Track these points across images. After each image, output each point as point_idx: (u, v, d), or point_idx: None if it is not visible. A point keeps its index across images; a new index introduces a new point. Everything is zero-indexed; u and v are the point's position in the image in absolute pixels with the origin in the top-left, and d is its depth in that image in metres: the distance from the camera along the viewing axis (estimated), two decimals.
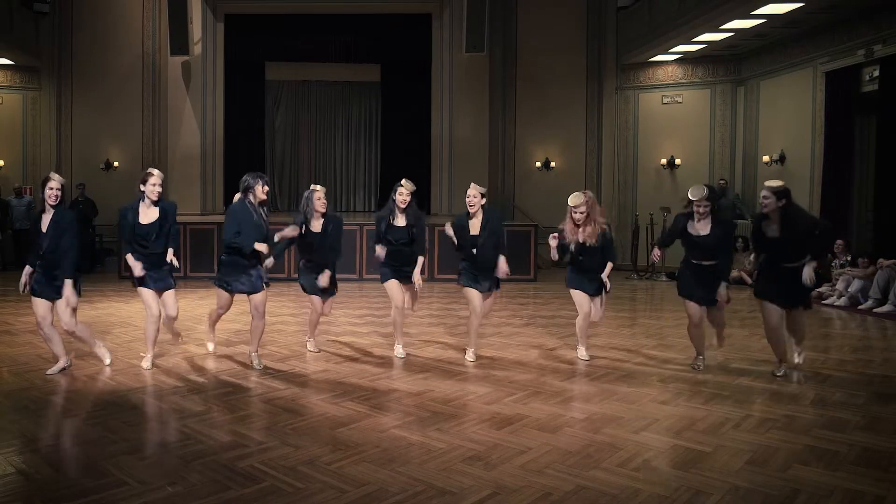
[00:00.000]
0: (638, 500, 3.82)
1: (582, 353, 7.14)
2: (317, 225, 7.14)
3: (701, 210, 6.40)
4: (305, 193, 7.24)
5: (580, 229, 6.87)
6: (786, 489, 3.95)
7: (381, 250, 7.18)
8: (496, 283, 7.14)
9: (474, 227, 7.00)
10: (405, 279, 7.33)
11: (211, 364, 6.84)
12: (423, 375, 6.42)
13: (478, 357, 7.13)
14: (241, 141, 17.71)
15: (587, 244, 6.84)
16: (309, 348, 7.53)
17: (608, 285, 6.98)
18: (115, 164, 17.02)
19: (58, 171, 16.65)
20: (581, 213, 6.81)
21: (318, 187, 7.25)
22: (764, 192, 6.21)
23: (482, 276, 7.03)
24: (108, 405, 5.43)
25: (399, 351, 7.32)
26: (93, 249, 15.18)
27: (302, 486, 3.95)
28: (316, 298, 7.27)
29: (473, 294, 7.06)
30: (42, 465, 4.21)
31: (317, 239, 7.13)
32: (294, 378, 6.33)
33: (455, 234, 7.10)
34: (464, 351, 7.31)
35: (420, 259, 7.31)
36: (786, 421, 5.14)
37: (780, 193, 6.11)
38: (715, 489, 3.94)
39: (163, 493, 3.85)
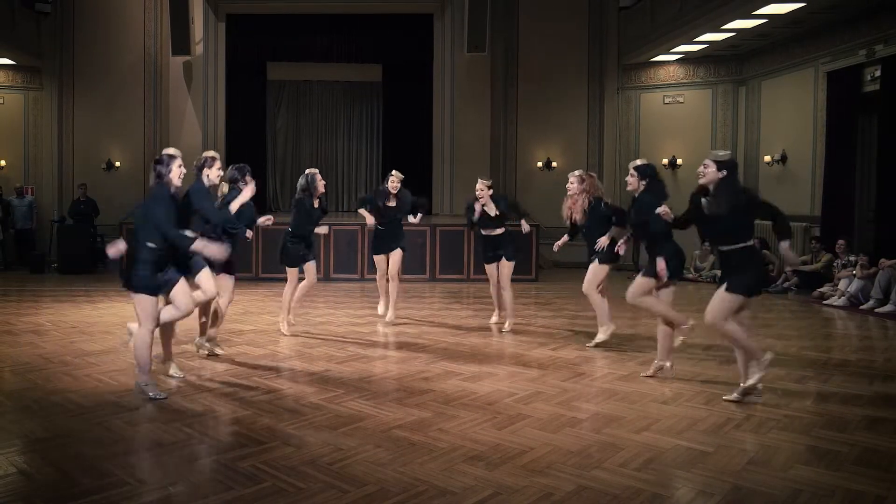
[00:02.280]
0: (639, 500, 3.81)
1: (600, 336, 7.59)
2: (315, 203, 8.08)
3: (629, 179, 6.50)
4: (307, 178, 8.00)
5: (572, 206, 7.38)
6: (787, 489, 3.94)
7: (369, 219, 8.88)
8: (510, 254, 8.47)
9: (490, 210, 8.37)
10: (392, 251, 8.86)
11: (211, 364, 6.83)
12: (423, 375, 6.42)
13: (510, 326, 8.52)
14: (243, 141, 17.71)
15: (577, 221, 7.37)
16: (283, 330, 8.18)
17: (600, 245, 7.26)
18: (117, 164, 17.04)
19: (59, 172, 16.87)
20: (570, 184, 7.41)
21: (316, 170, 8.18)
22: (705, 162, 5.56)
23: (498, 250, 8.46)
24: (109, 405, 5.43)
25: (381, 309, 9.14)
26: (94, 249, 15.18)
27: (303, 486, 3.95)
28: (294, 270, 8.08)
29: (489, 268, 8.63)
30: (43, 465, 4.21)
31: (315, 215, 8.08)
32: (295, 378, 6.33)
33: (470, 216, 8.45)
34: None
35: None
36: (787, 421, 5.13)
37: (723, 164, 5.43)
38: (716, 489, 3.93)
39: (164, 493, 3.85)
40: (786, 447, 4.60)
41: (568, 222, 7.72)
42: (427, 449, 4.51)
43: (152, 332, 5.63)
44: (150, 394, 5.56)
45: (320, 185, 8.04)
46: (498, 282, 8.64)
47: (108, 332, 8.37)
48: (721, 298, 5.41)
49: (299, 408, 5.40)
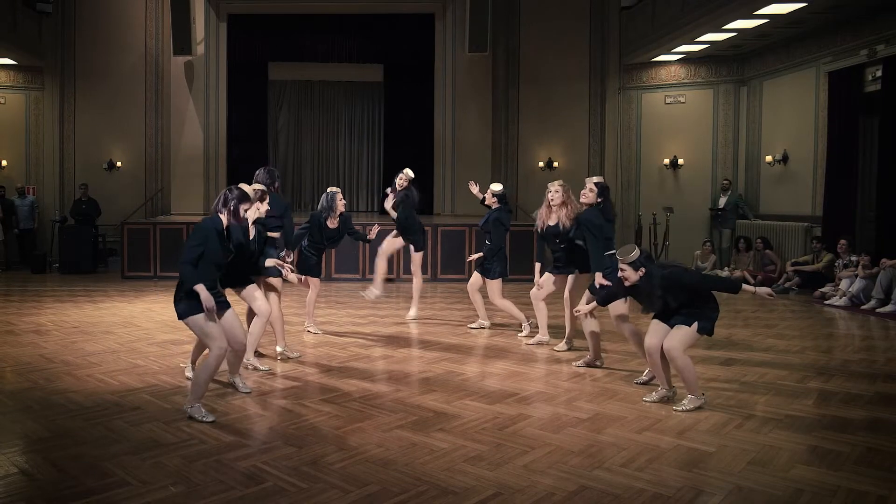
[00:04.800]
0: (641, 500, 3.81)
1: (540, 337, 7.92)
2: (333, 222, 8.04)
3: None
4: (327, 196, 8.04)
5: (552, 213, 7.30)
6: (789, 489, 3.94)
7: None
8: (485, 273, 8.47)
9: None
10: (406, 241, 9.15)
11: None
12: (425, 375, 6.42)
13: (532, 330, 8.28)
14: (244, 141, 17.71)
15: (560, 227, 7.21)
16: (312, 330, 8.39)
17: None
18: (118, 164, 17.04)
19: (60, 172, 16.89)
20: (555, 191, 7.30)
21: (338, 189, 8.21)
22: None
23: (482, 264, 8.48)
24: (111, 405, 5.44)
25: (371, 293, 9.12)
26: (95, 249, 15.19)
27: (305, 486, 3.95)
28: (317, 280, 8.21)
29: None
30: (45, 465, 4.22)
31: (334, 234, 8.13)
32: (297, 378, 6.33)
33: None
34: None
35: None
36: (788, 421, 5.14)
37: (636, 263, 5.43)
38: (718, 489, 3.93)
39: (165, 493, 3.85)
40: (787, 447, 4.60)
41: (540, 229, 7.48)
42: (429, 449, 4.51)
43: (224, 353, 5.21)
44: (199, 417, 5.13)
45: (340, 204, 8.02)
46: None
47: (110, 332, 8.38)
48: (686, 333, 5.39)
49: (301, 408, 5.40)
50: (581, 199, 6.78)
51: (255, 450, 4.48)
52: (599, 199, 6.64)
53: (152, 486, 3.92)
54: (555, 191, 7.27)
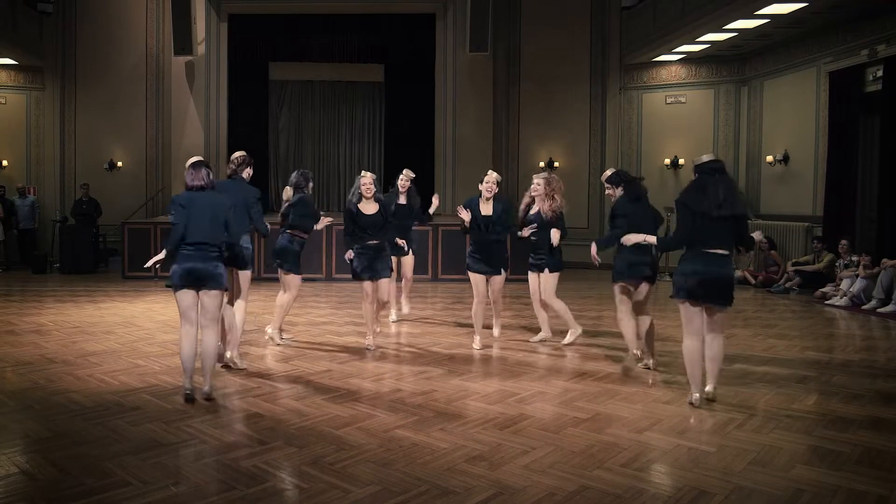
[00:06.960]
0: (641, 500, 3.81)
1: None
2: (369, 208, 7.48)
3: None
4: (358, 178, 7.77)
5: (537, 203, 7.61)
6: (789, 489, 3.94)
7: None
8: (503, 265, 7.66)
9: (485, 209, 7.53)
10: (404, 254, 8.95)
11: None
12: (426, 375, 6.42)
13: (484, 345, 7.69)
14: (245, 141, 17.64)
15: (543, 217, 7.51)
16: (367, 343, 7.51)
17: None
18: (119, 164, 17.05)
19: (61, 171, 16.90)
20: (537, 184, 7.61)
21: (367, 173, 7.63)
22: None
23: (491, 260, 7.51)
24: (112, 405, 5.44)
25: (393, 316, 9.06)
26: (96, 249, 15.20)
27: (305, 486, 3.95)
28: (369, 283, 7.47)
29: (478, 279, 7.56)
30: (45, 465, 4.22)
31: (376, 221, 7.47)
32: (297, 378, 6.33)
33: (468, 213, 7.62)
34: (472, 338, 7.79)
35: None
36: (789, 421, 5.13)
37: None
38: (718, 489, 3.93)
39: (166, 493, 3.85)
40: (788, 447, 4.59)
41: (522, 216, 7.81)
42: (429, 449, 4.51)
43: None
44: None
45: (363, 188, 7.45)
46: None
47: (110, 332, 8.38)
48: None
49: (301, 408, 5.40)
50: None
51: (255, 450, 4.48)
52: (619, 190, 6.92)
53: (153, 486, 3.92)
54: (536, 183, 7.64)
